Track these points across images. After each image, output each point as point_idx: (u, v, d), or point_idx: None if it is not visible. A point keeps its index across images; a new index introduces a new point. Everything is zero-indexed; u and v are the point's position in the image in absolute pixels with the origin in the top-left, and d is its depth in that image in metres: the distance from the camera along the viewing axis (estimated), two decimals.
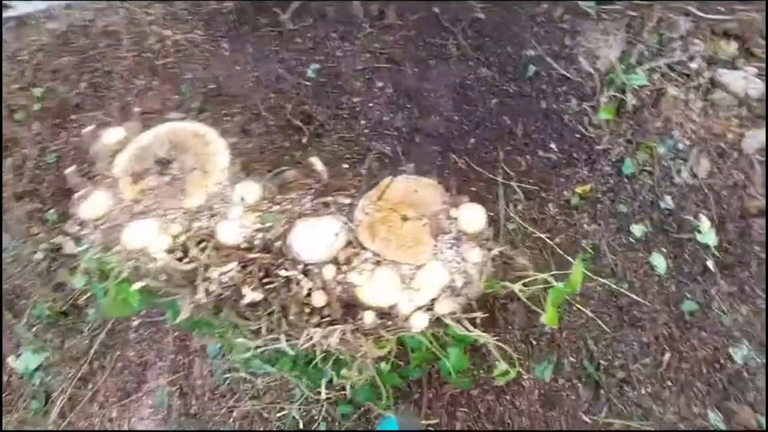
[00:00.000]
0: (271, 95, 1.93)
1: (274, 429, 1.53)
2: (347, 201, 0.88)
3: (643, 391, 1.64)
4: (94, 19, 2.38)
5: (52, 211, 1.96)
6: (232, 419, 1.66)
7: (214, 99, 1.98)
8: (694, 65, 1.66)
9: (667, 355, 1.66)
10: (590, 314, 1.70)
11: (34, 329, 1.84)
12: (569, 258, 1.71)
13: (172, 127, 0.97)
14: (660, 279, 1.74)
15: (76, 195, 0.95)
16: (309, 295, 0.85)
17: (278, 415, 1.65)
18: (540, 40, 1.87)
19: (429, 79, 1.92)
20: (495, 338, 0.88)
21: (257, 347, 1.03)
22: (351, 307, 0.87)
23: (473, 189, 1.80)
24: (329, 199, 0.89)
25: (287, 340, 0.94)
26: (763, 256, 1.66)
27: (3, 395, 1.82)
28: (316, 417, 1.64)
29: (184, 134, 0.96)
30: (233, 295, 0.85)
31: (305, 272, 0.84)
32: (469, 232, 0.87)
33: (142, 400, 1.66)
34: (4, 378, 1.84)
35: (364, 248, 0.85)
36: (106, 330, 1.81)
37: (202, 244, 0.86)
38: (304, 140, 1.83)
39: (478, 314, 0.85)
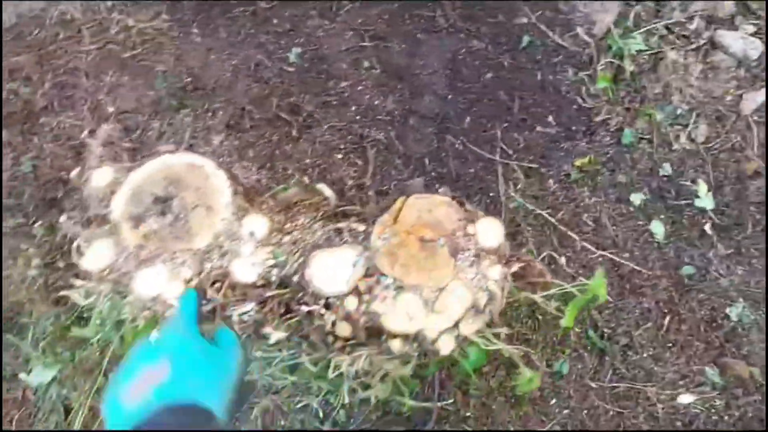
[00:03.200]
0: (253, 85, 1.82)
1: (293, 429, 1.57)
2: (362, 228, 0.84)
3: (645, 354, 1.71)
4: (46, 8, 2.17)
5: (38, 225, 1.86)
6: (253, 415, 1.69)
7: (192, 94, 1.86)
8: (693, 26, 1.60)
9: (667, 319, 1.72)
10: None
11: (41, 345, 1.81)
12: (571, 234, 1.71)
13: (165, 161, 0.90)
14: (659, 246, 1.77)
15: (74, 244, 0.89)
16: (333, 325, 0.83)
17: (298, 406, 1.68)
18: (533, 7, 1.77)
19: (418, 55, 1.82)
20: (516, 346, 0.88)
21: (277, 361, 1.02)
22: (376, 332, 0.85)
23: (471, 170, 1.76)
24: (342, 225, 0.85)
25: (308, 354, 0.93)
26: (759, 217, 1.69)
27: (20, 411, 1.82)
28: (334, 404, 1.67)
29: (180, 168, 0.89)
30: (255, 334, 0.82)
31: (327, 305, 0.81)
32: (488, 247, 0.85)
33: None
34: (18, 394, 1.83)
35: (384, 275, 0.82)
36: (117, 338, 1.78)
37: (217, 285, 0.82)
38: (294, 132, 1.74)
39: (504, 330, 0.84)
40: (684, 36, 1.64)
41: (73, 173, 0.94)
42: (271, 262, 0.83)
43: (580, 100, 1.75)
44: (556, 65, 1.76)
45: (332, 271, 0.82)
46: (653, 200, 1.79)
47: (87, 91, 1.98)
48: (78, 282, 0.91)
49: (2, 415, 1.85)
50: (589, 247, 1.72)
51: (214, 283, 0.83)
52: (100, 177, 0.93)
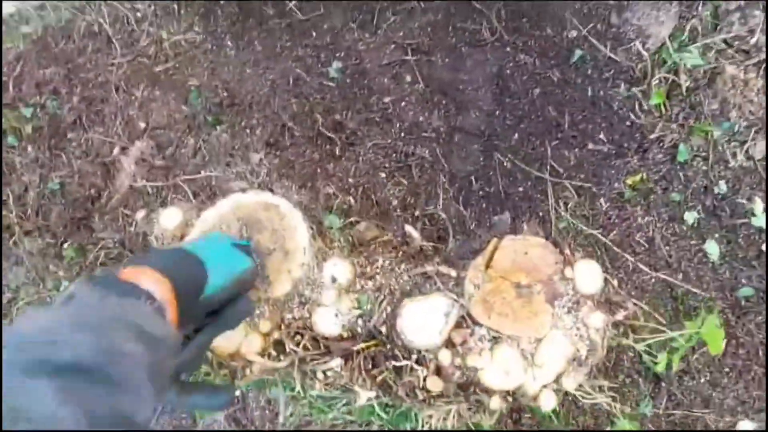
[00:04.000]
0: (292, 101, 1.75)
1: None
2: (453, 273, 0.77)
3: (702, 380, 1.64)
4: (73, 18, 2.10)
5: (67, 245, 1.80)
6: None
7: (229, 109, 1.79)
8: (753, 40, 1.53)
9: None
10: (646, 308, 1.66)
11: None
12: (624, 254, 1.64)
13: (236, 201, 0.83)
14: (714, 266, 1.70)
15: None
16: (423, 379, 0.76)
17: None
18: (583, 19, 1.70)
19: (463, 69, 1.76)
20: (611, 396, 0.81)
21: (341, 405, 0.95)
22: (469, 387, 0.78)
23: (520, 189, 1.70)
24: (429, 269, 0.78)
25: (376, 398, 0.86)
26: None
27: None
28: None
29: (253, 208, 0.83)
30: (342, 393, 0.75)
31: (418, 360, 0.74)
32: (587, 293, 0.78)
33: None
34: None
35: (477, 324, 0.75)
36: None
37: (297, 338, 0.75)
38: (337, 151, 1.68)
39: (605, 383, 0.77)
40: (744, 50, 1.57)
41: (139, 216, 0.86)
42: (357, 312, 0.76)
43: (632, 117, 1.68)
44: (608, 80, 1.70)
45: (424, 321, 0.75)
46: (707, 219, 1.73)
47: (117, 106, 1.91)
48: None
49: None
50: (643, 267, 1.66)
51: (294, 335, 0.76)
52: (168, 218, 0.87)
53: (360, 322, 0.77)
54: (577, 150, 1.70)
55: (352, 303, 0.77)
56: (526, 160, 1.70)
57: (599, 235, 1.68)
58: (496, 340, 0.77)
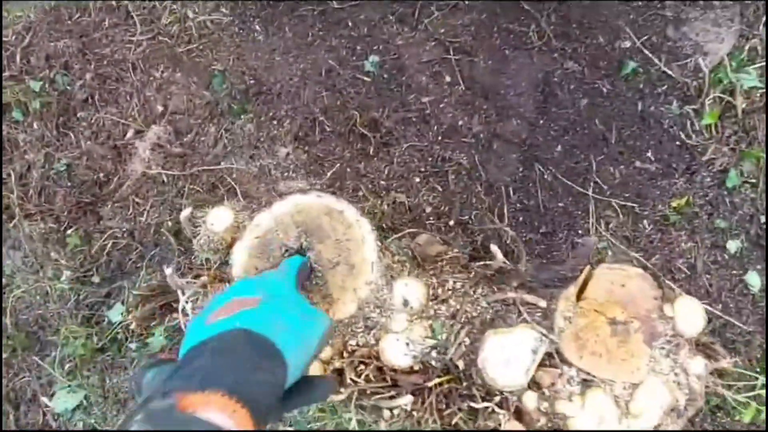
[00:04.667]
0: (324, 93, 1.64)
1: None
2: (541, 303, 0.66)
3: (737, 417, 1.55)
4: None
5: (71, 231, 1.66)
6: None
7: (255, 98, 1.67)
8: None
9: (761, 379, 1.57)
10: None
11: (66, 366, 1.61)
12: (665, 280, 1.55)
13: (296, 203, 0.71)
14: (755, 298, 1.62)
15: (180, 304, 0.70)
16: (502, 427, 0.65)
17: None
18: (637, 30, 1.61)
19: (507, 73, 1.65)
20: None
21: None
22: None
23: (560, 204, 1.60)
24: (511, 295, 0.67)
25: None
26: None
27: None
28: None
29: (316, 213, 0.71)
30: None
31: (500, 403, 0.64)
32: (688, 335, 0.67)
33: None
34: (39, 418, 1.62)
35: (568, 364, 0.65)
36: None
37: (360, 368, 0.64)
38: (371, 150, 1.56)
39: None
40: None
41: (183, 214, 0.75)
42: (431, 342, 0.66)
43: (683, 136, 1.60)
44: (660, 96, 1.61)
45: (509, 357, 0.65)
46: (750, 249, 1.65)
47: (134, 86, 1.78)
48: None
49: (2, 414, 1.67)
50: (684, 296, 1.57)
51: (358, 364, 0.65)
52: (218, 219, 0.75)
53: (434, 354, 0.66)
54: (623, 167, 1.61)
55: (425, 331, 0.66)
56: (569, 174, 1.60)
57: (640, 258, 1.60)
58: (587, 383, 0.67)
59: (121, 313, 1.58)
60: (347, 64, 1.70)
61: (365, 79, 1.66)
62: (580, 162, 1.62)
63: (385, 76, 1.66)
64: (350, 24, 1.75)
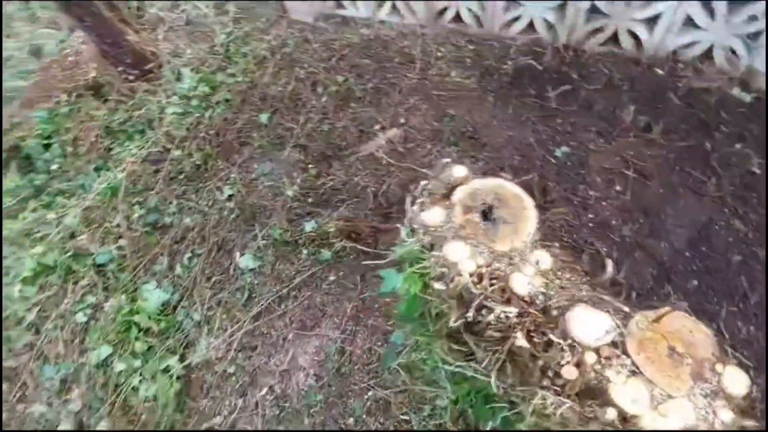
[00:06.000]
0: (517, 156, 2.13)
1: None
2: (626, 309, 0.97)
3: None
4: (395, 38, 2.89)
5: (311, 166, 2.41)
6: (366, 397, 1.85)
7: (467, 140, 2.24)
8: None
9: None
10: None
11: (262, 242, 2.28)
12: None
13: (500, 183, 1.19)
14: None
15: (415, 204, 1.21)
16: (560, 364, 0.96)
17: (403, 417, 1.80)
18: None
19: (673, 205, 1.91)
20: None
21: (454, 364, 1.17)
22: (590, 392, 0.95)
23: None
24: (606, 298, 0.99)
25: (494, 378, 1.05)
26: None
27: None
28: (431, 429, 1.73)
29: (509, 193, 1.17)
30: (504, 336, 1.00)
31: (571, 346, 0.95)
32: (728, 392, 0.89)
33: (312, 339, 1.96)
34: (227, 264, 2.29)
35: (626, 355, 0.93)
36: (308, 273, 2.16)
37: (493, 281, 1.04)
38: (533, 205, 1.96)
39: None
40: None
41: (443, 161, 1.27)
42: (543, 290, 1.02)
43: None
44: None
45: (589, 324, 0.96)
46: None
47: (394, 102, 2.56)
48: (408, 224, 1.23)
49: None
50: None
51: (492, 278, 1.05)
52: (458, 170, 1.26)
53: (541, 296, 1.01)
54: (753, 327, 1.67)
55: (541, 283, 1.02)
56: (697, 309, 1.74)
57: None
58: (635, 373, 0.93)
59: (312, 228, 2.22)
60: (543, 145, 2.18)
61: (552, 160, 2.11)
62: (711, 303, 1.74)
63: (569, 164, 2.08)
64: (559, 121, 2.25)
